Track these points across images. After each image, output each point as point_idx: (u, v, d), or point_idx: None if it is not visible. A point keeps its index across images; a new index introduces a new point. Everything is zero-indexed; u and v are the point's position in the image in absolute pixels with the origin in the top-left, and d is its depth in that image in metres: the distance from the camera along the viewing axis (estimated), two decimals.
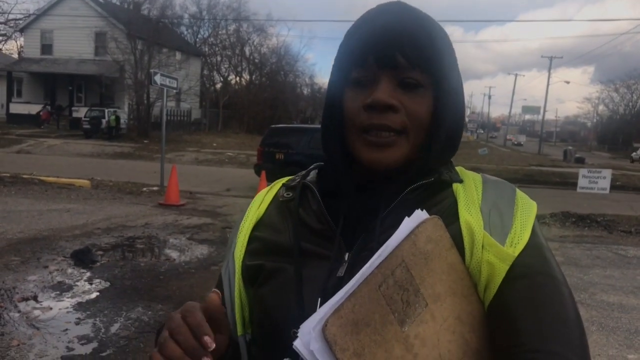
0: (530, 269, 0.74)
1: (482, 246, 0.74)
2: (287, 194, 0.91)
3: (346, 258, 0.79)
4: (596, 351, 4.44)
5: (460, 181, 0.84)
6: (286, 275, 0.81)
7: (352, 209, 0.83)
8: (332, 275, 0.78)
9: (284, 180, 0.97)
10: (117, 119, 28.25)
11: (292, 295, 0.79)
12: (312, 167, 0.95)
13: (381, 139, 0.79)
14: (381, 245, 0.70)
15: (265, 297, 0.83)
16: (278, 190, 0.95)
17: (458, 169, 0.88)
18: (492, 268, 0.73)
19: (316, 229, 0.84)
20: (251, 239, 0.90)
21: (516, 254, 0.74)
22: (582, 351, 0.69)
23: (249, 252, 0.88)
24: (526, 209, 0.79)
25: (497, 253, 0.74)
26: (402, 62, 0.78)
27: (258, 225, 0.91)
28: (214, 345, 0.66)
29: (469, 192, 0.81)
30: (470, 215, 0.77)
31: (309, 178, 0.91)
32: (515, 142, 78.61)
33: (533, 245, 0.76)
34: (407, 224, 0.71)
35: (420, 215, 0.73)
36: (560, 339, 0.68)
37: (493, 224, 0.76)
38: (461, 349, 0.71)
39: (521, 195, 0.82)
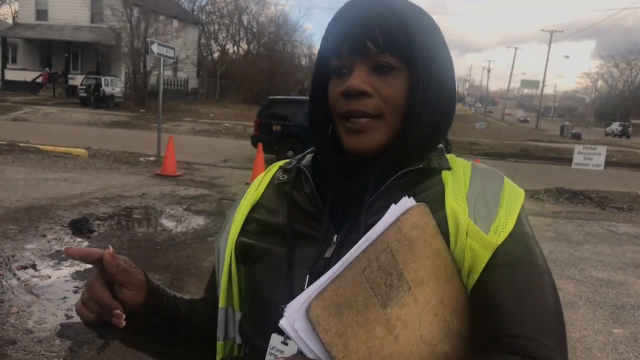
0: (513, 257, 0.76)
1: (467, 233, 0.77)
2: (283, 177, 0.94)
3: (334, 240, 0.82)
4: (582, 325, 4.55)
5: (450, 169, 0.86)
6: (278, 255, 0.85)
7: (340, 192, 0.86)
8: (320, 256, 0.82)
9: (281, 163, 1.00)
10: (97, 87, 27.73)
11: (283, 274, 0.82)
12: (308, 151, 0.98)
13: (357, 125, 0.82)
14: (367, 228, 0.72)
15: (256, 275, 0.87)
16: (275, 173, 0.98)
17: (449, 156, 0.90)
18: (475, 255, 0.76)
19: (308, 211, 0.87)
20: (248, 219, 0.93)
21: (499, 242, 0.76)
22: (558, 337, 0.72)
23: (245, 231, 0.92)
24: (512, 198, 0.82)
25: (480, 240, 0.76)
26: (371, 48, 0.81)
27: (255, 207, 0.94)
28: (122, 317, 0.76)
29: (457, 180, 0.83)
30: (456, 203, 0.80)
31: (304, 162, 0.94)
32: (521, 119, 75.47)
33: (517, 233, 0.78)
34: (394, 211, 0.74)
35: (407, 202, 0.76)
36: (538, 325, 0.71)
37: (478, 212, 0.79)
38: (442, 331, 0.74)
39: (508, 184, 0.85)
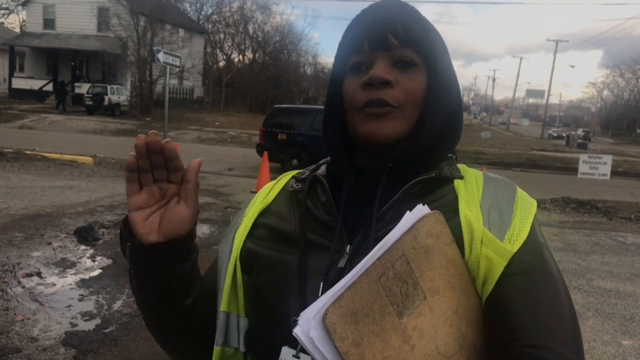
0: (528, 265, 0.75)
1: (481, 242, 0.76)
2: (297, 185, 0.93)
3: (347, 250, 0.81)
4: (591, 337, 4.50)
5: (461, 177, 0.85)
6: (289, 264, 0.83)
7: (354, 201, 0.85)
8: (333, 266, 0.80)
9: (293, 172, 1.00)
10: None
11: (295, 284, 0.81)
12: (322, 161, 0.98)
13: (377, 110, 0.82)
14: (378, 240, 0.71)
15: (266, 284, 0.84)
16: (288, 182, 0.97)
17: (460, 166, 0.90)
18: (491, 263, 0.75)
19: (322, 220, 0.86)
20: (256, 224, 0.91)
21: (514, 250, 0.75)
22: (575, 348, 0.71)
23: (253, 236, 0.90)
24: (526, 207, 0.81)
25: (495, 249, 0.75)
26: (394, 43, 0.83)
27: (264, 212, 0.93)
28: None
29: (470, 188, 0.82)
30: (470, 211, 0.79)
31: (319, 171, 0.94)
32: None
33: (531, 242, 0.77)
34: (409, 218, 0.73)
35: (421, 209, 0.75)
36: (555, 335, 0.70)
37: (492, 220, 0.78)
38: (457, 342, 0.72)
39: (521, 194, 0.84)
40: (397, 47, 0.83)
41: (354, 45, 0.86)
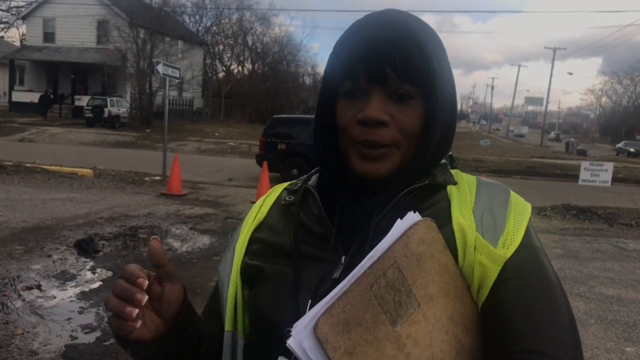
0: (523, 270, 0.74)
1: (475, 247, 0.75)
2: (289, 198, 0.93)
3: (342, 261, 0.81)
4: (594, 344, 4.48)
5: (455, 183, 0.85)
6: (284, 276, 0.83)
7: (347, 212, 0.84)
8: (326, 277, 0.80)
9: (285, 184, 0.99)
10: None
11: (289, 296, 0.81)
12: (313, 171, 0.97)
13: (373, 152, 0.80)
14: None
15: (262, 297, 0.85)
16: (280, 194, 0.97)
17: (454, 171, 0.89)
18: (485, 269, 0.74)
19: (316, 232, 0.86)
20: (252, 240, 0.92)
21: (508, 256, 0.75)
22: (574, 353, 0.70)
23: (250, 252, 0.90)
24: (519, 211, 0.80)
25: (488, 254, 0.75)
26: (391, 76, 0.79)
27: (259, 227, 0.93)
28: (146, 283, 0.73)
29: (463, 194, 0.82)
30: (463, 217, 0.78)
31: (310, 182, 0.93)
32: (517, 133, 76.41)
33: (526, 246, 0.77)
34: (400, 226, 0.73)
35: (412, 217, 0.74)
36: (553, 340, 0.69)
37: (485, 226, 0.77)
38: (454, 350, 0.72)
39: (515, 198, 0.83)
40: (394, 81, 0.79)
41: (349, 70, 0.81)
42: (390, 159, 0.82)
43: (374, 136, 0.80)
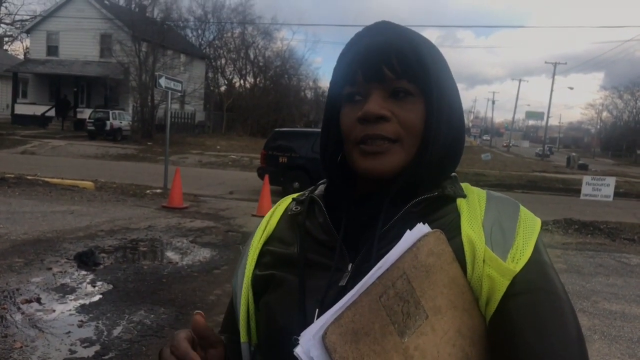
0: (532, 285, 0.74)
1: (484, 261, 0.75)
2: (296, 208, 0.94)
3: (349, 269, 0.80)
4: None
5: (465, 196, 0.85)
6: (291, 283, 0.84)
7: (354, 221, 0.85)
8: (332, 285, 0.80)
9: (294, 195, 1.00)
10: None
11: (296, 304, 0.81)
12: (320, 182, 0.98)
13: (376, 147, 0.81)
14: (379, 258, 0.71)
15: (270, 305, 0.85)
16: (288, 205, 0.98)
17: (463, 185, 0.89)
18: (493, 283, 0.74)
19: (321, 240, 0.86)
20: (262, 252, 0.93)
21: (517, 270, 0.74)
22: None
23: (260, 264, 0.91)
24: (529, 226, 0.80)
25: (498, 268, 0.74)
26: (388, 74, 0.81)
27: (269, 240, 0.94)
28: None
29: (473, 207, 0.82)
30: (472, 230, 0.78)
31: (316, 192, 0.94)
32: (512, 144, 75.55)
33: (535, 261, 0.76)
34: (409, 237, 0.72)
35: (422, 228, 0.74)
36: (561, 356, 0.69)
37: (495, 239, 0.77)
38: None
39: (525, 212, 0.83)
40: (391, 79, 0.81)
41: (348, 75, 0.84)
42: (393, 155, 0.82)
43: (374, 130, 0.81)
